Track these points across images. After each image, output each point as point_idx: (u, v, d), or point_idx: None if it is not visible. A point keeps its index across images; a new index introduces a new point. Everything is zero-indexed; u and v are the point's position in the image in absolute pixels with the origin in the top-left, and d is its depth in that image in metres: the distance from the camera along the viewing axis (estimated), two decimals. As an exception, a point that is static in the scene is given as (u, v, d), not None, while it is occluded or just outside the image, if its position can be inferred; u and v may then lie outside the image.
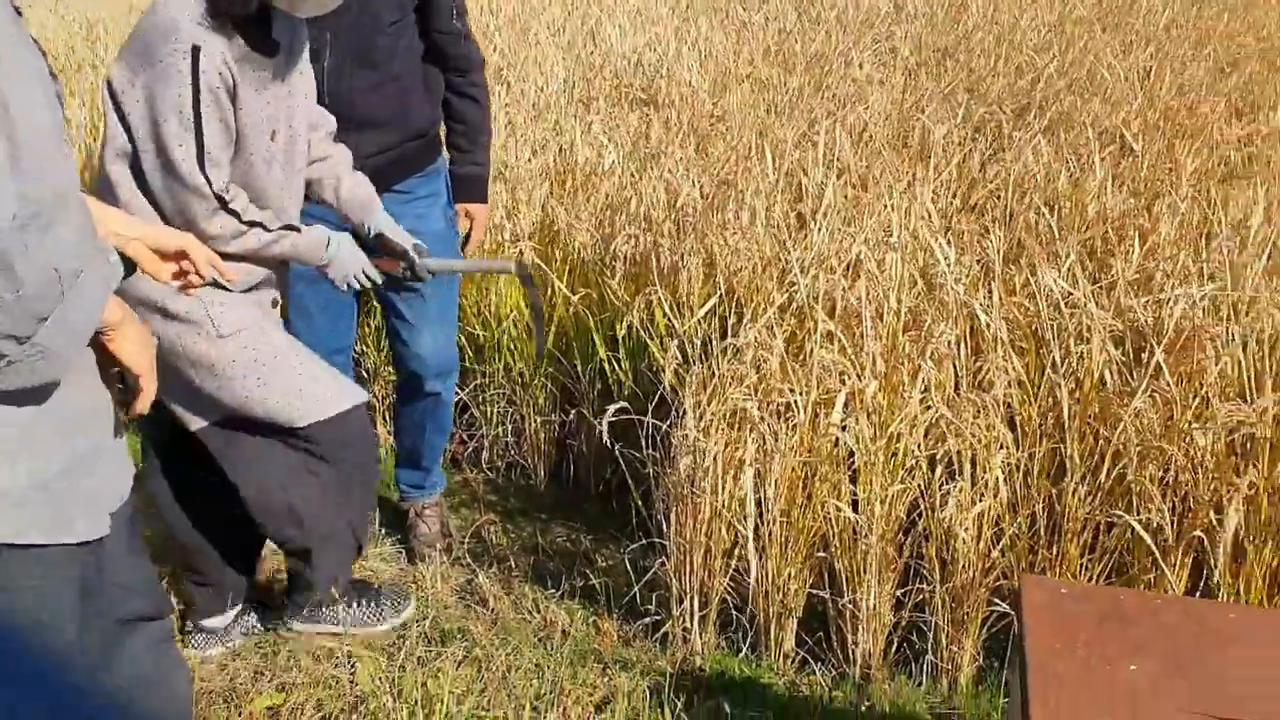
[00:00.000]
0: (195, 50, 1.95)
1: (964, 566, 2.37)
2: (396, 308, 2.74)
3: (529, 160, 3.56)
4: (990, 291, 2.66)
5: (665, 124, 4.05)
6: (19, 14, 1.24)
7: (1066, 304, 2.57)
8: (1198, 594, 2.34)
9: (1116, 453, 2.34)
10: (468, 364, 3.24)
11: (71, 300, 1.20)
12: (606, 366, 3.03)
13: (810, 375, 2.44)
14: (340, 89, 2.49)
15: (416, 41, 2.62)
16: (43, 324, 1.18)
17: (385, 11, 2.50)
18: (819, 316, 2.55)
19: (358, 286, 2.39)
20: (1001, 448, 2.37)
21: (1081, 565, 2.40)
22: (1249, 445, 2.29)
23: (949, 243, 2.85)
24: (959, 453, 2.35)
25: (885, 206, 3.04)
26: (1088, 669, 1.59)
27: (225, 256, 1.98)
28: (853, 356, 2.48)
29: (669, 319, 2.79)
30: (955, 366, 2.51)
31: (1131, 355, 2.55)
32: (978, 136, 3.97)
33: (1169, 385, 2.34)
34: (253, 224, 2.11)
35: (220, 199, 2.04)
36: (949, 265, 2.70)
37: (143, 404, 1.47)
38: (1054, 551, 2.42)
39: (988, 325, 2.53)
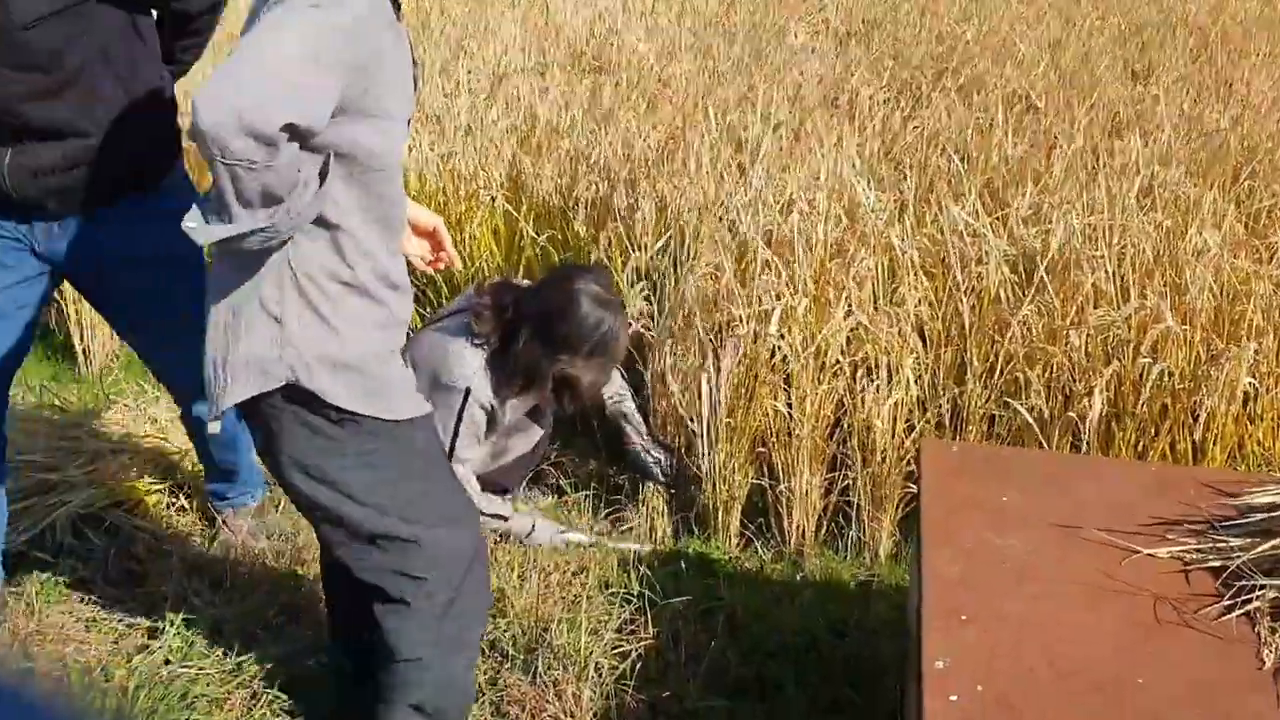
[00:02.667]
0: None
1: (881, 455, 2.80)
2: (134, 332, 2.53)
3: (495, 121, 3.93)
4: (903, 224, 3.09)
5: (616, 87, 4.43)
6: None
7: (968, 233, 3.00)
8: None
9: (1010, 355, 2.78)
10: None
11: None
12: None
13: (751, 296, 2.85)
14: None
15: (106, 29, 2.09)
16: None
17: (28, 6, 1.98)
18: (758, 246, 2.96)
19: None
20: (912, 353, 2.80)
21: (980, 451, 2.84)
22: (1115, 345, 2.73)
23: (870, 185, 3.27)
24: (875, 358, 2.77)
25: (816, 156, 3.46)
26: (969, 498, 2.01)
27: None
28: (787, 279, 2.89)
29: (628, 253, 3.19)
30: (874, 287, 2.93)
31: (1024, 276, 2.99)
32: (900, 97, 4.40)
33: (1052, 298, 2.78)
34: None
35: None
36: (869, 203, 3.13)
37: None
38: (958, 439, 2.86)
39: (902, 252, 2.95)
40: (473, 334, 2.68)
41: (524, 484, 3.05)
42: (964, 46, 5.10)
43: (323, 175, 1.63)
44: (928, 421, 2.85)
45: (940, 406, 2.85)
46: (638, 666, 2.31)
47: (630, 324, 2.85)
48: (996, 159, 3.46)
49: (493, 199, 3.39)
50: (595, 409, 3.14)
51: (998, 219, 3.10)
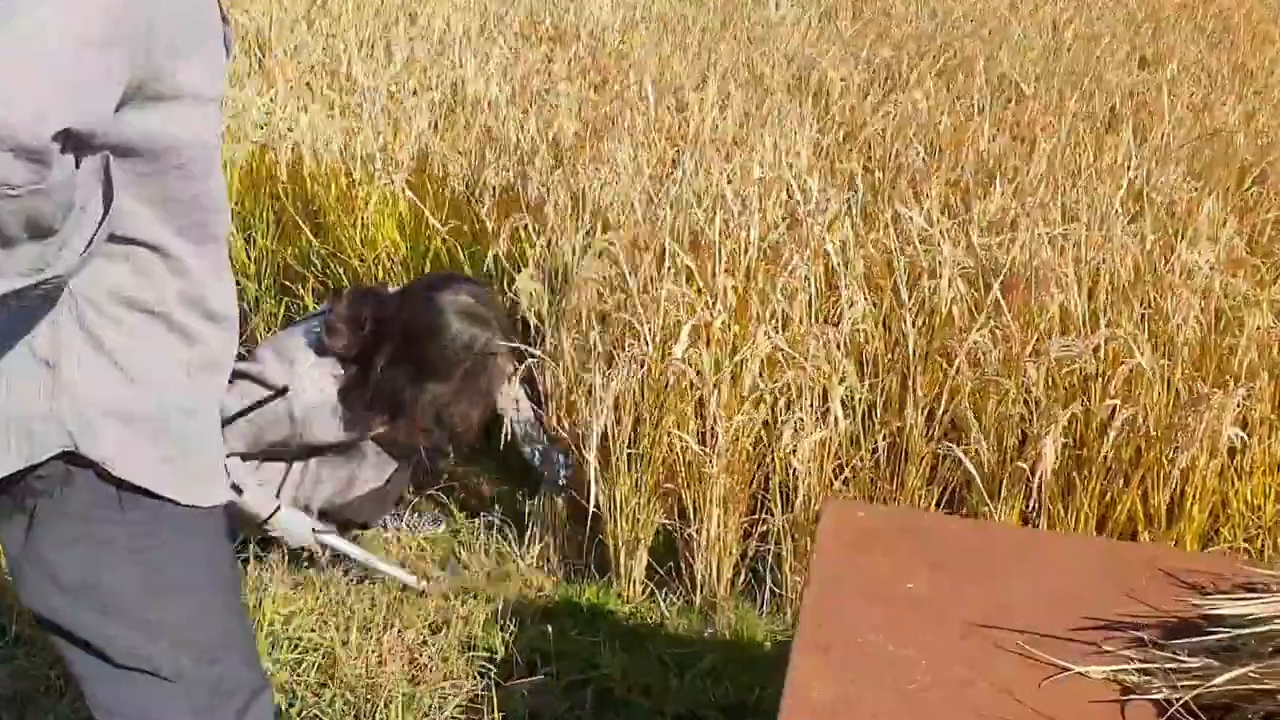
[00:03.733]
0: None
1: (805, 498, 2.40)
2: None
3: (414, 95, 3.53)
4: (849, 228, 2.68)
5: (567, 61, 4.02)
6: None
7: (922, 241, 2.59)
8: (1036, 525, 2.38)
9: (956, 389, 2.37)
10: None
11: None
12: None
13: (659, 307, 2.45)
14: None
15: None
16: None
17: None
18: (675, 249, 2.56)
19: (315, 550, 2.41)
20: (843, 382, 2.40)
21: (920, 497, 2.44)
22: (1080, 380, 2.33)
23: (819, 180, 2.86)
24: (798, 387, 2.37)
25: (764, 145, 3.05)
26: (868, 583, 1.62)
27: None
28: (703, 290, 2.49)
29: (535, 248, 2.79)
30: (807, 301, 2.53)
31: (984, 292, 2.58)
32: (875, 80, 3.97)
33: (1009, 322, 2.37)
34: None
35: None
36: (811, 202, 2.71)
37: None
38: (895, 484, 2.46)
39: (841, 262, 2.54)
40: (322, 348, 2.30)
41: (391, 517, 2.67)
42: (955, 24, 4.66)
43: (107, 187, 1.22)
44: (861, 460, 2.45)
45: (875, 445, 2.45)
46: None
47: (512, 340, 2.46)
48: (967, 153, 3.04)
49: (392, 183, 2.99)
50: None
51: (959, 224, 2.68)
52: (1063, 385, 2.33)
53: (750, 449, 2.46)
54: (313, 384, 2.27)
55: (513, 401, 2.70)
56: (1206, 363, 2.34)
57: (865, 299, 2.53)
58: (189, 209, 1.30)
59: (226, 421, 2.22)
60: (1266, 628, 1.45)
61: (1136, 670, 1.46)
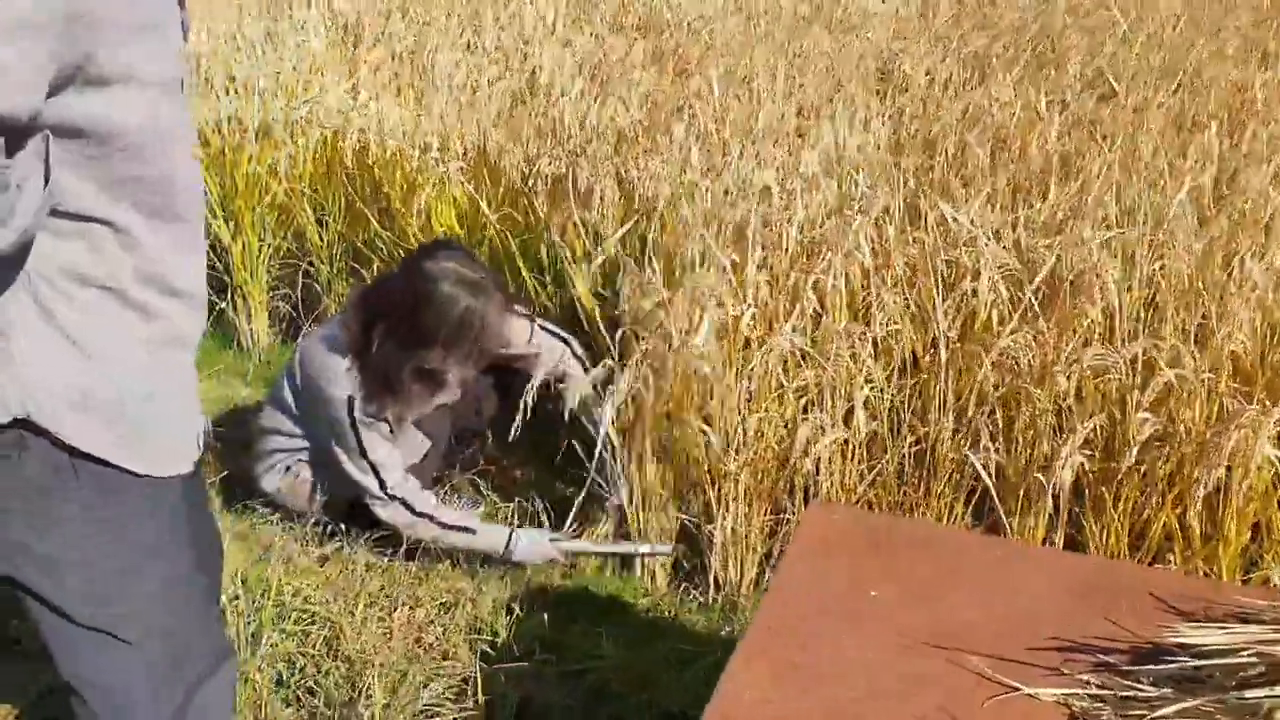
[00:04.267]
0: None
1: (826, 499, 2.36)
2: None
3: (490, 84, 3.58)
4: (899, 225, 2.61)
5: (648, 51, 4.01)
6: None
7: (966, 242, 2.51)
8: (1056, 540, 2.29)
9: (982, 395, 2.29)
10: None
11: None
12: (532, 288, 3.05)
13: (687, 301, 2.43)
14: None
15: None
16: None
17: None
18: (710, 242, 2.53)
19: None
20: (868, 382, 2.34)
21: (944, 505, 2.36)
22: (1115, 392, 2.22)
23: (869, 176, 2.79)
24: (819, 387, 2.33)
25: (821, 138, 2.99)
26: (830, 590, 1.58)
27: None
28: (733, 284, 2.46)
29: (583, 240, 2.80)
30: (839, 299, 2.47)
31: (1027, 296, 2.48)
32: (963, 72, 3.85)
33: (1043, 328, 2.28)
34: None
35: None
36: (857, 197, 2.65)
37: None
38: (921, 490, 2.39)
39: (873, 256, 2.48)
40: (334, 345, 2.38)
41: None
42: (1058, 14, 4.47)
43: (46, 166, 1.27)
44: (886, 464, 2.39)
45: (902, 449, 2.38)
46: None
47: (509, 303, 2.47)
48: (1033, 150, 2.92)
49: (448, 171, 3.03)
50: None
51: (1008, 224, 2.58)
52: (1097, 395, 2.22)
53: (776, 446, 2.43)
54: (356, 387, 2.38)
55: (533, 350, 2.69)
56: (1261, 379, 2.21)
57: (903, 298, 2.46)
58: (145, 189, 1.32)
59: (361, 451, 2.41)
60: (1233, 660, 1.36)
61: (1089, 696, 1.39)
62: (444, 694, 2.04)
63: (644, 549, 2.52)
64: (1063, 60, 3.86)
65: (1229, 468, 2.02)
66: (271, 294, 3.67)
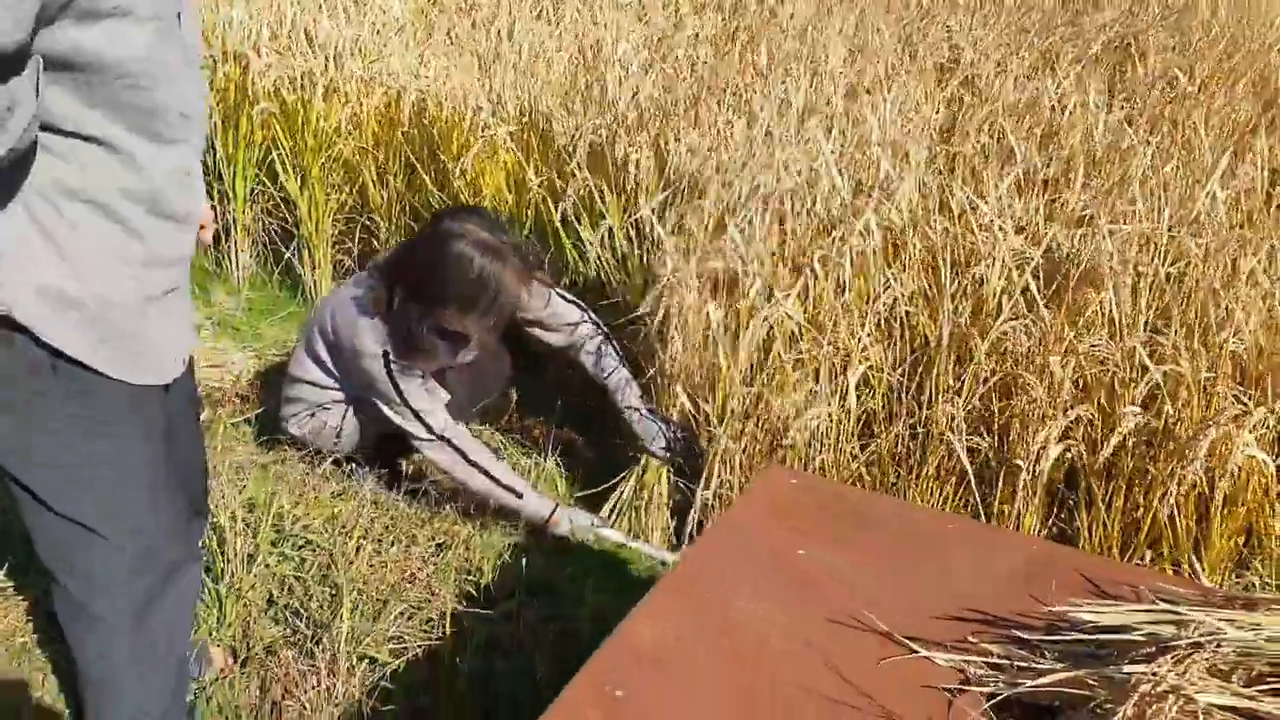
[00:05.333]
0: None
1: (818, 472, 2.38)
2: None
3: (558, 51, 3.66)
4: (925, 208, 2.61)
5: (729, 31, 4.04)
6: None
7: (983, 228, 2.49)
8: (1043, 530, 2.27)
9: (976, 376, 2.29)
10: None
11: None
12: (573, 257, 3.12)
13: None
14: None
15: None
16: None
17: None
18: (724, 214, 2.57)
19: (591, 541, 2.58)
20: (864, 360, 2.36)
21: (934, 489, 2.36)
22: (1108, 383, 2.19)
23: (895, 160, 2.79)
24: (813, 359, 2.35)
25: (869, 120, 3.00)
26: (759, 547, 1.62)
27: None
28: (743, 256, 2.50)
29: (601, 207, 2.87)
30: (841, 277, 2.48)
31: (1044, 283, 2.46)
32: (1033, 62, 3.79)
33: (1042, 316, 2.26)
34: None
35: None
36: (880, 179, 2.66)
37: None
38: (915, 474, 2.39)
39: (878, 240, 2.48)
40: (362, 306, 2.50)
41: None
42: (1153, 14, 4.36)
43: (38, 90, 1.35)
44: (883, 443, 2.40)
45: (896, 429, 2.39)
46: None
47: (529, 268, 2.54)
48: (1077, 141, 2.87)
49: (494, 135, 3.13)
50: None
51: (1029, 211, 2.56)
52: (1098, 387, 2.20)
53: (770, 420, 2.45)
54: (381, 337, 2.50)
55: (581, 331, 2.78)
56: (1264, 379, 2.16)
57: (913, 280, 2.46)
58: (143, 114, 1.44)
59: (402, 400, 2.50)
60: (1127, 636, 1.37)
61: (986, 664, 1.41)
62: (419, 626, 2.13)
63: (673, 558, 2.53)
64: (1141, 57, 3.77)
65: (1209, 468, 1.99)
66: (335, 247, 3.82)
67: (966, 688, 1.37)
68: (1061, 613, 1.44)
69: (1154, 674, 1.23)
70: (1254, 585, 2.09)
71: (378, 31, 4.03)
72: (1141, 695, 1.21)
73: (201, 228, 1.77)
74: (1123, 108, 3.30)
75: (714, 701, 1.33)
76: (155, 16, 1.43)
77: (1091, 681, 1.32)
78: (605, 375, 2.71)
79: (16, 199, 1.42)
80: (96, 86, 1.40)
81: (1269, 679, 1.23)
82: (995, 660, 1.41)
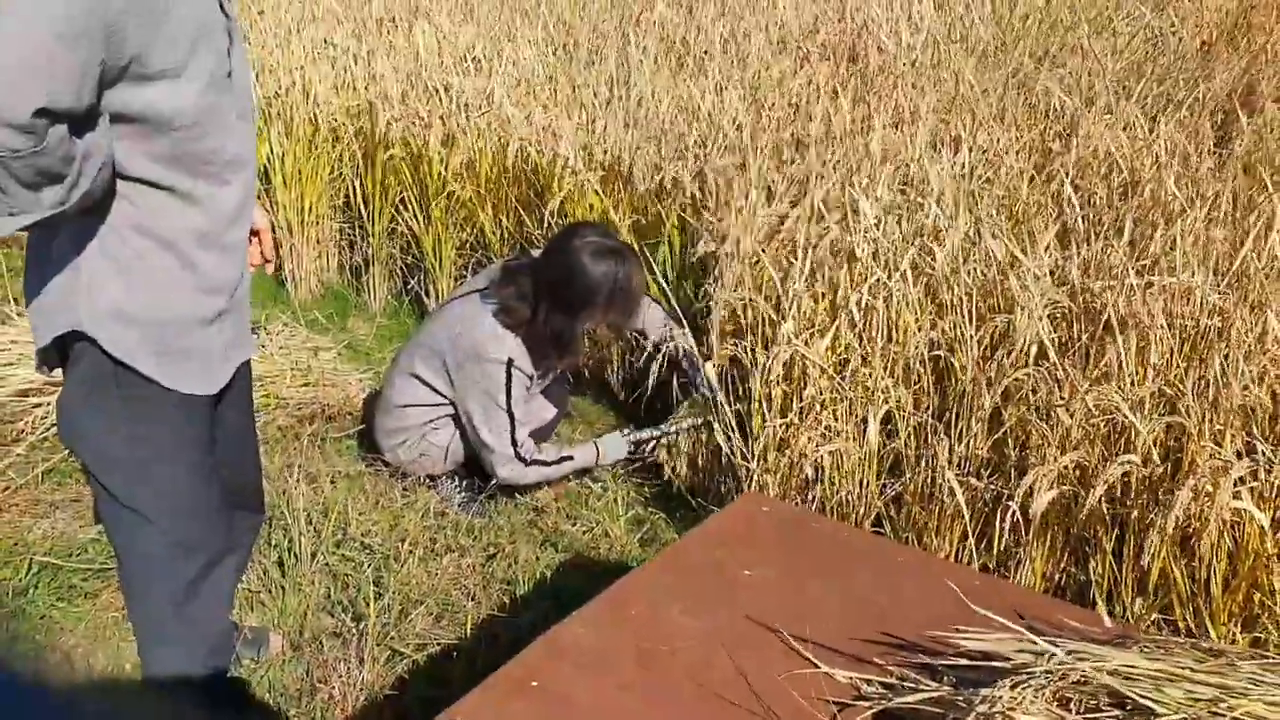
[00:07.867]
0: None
1: (835, 514, 2.49)
2: None
3: (656, 102, 3.88)
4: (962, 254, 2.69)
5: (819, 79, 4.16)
6: None
7: (1014, 270, 2.55)
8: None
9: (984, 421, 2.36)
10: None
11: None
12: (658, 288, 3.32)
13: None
14: None
15: None
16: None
17: None
18: (759, 253, 2.73)
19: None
20: (886, 402, 2.45)
21: (949, 535, 2.42)
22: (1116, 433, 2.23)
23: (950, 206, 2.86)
24: (832, 399, 2.47)
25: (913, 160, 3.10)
26: (710, 565, 1.77)
27: None
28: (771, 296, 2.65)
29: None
30: (865, 315, 2.57)
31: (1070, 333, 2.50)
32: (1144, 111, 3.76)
33: (1057, 365, 2.31)
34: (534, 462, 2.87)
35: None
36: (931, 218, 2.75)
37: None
38: (932, 514, 2.46)
39: (907, 285, 2.57)
40: (504, 321, 2.79)
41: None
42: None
43: (108, 141, 1.63)
44: (909, 483, 2.48)
45: (919, 469, 2.47)
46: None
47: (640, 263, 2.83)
48: (1149, 195, 2.88)
49: (583, 178, 3.37)
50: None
51: (1063, 260, 2.60)
52: (1100, 435, 2.24)
53: (804, 455, 2.57)
54: (520, 354, 2.81)
55: (649, 317, 3.08)
56: (1272, 431, 2.15)
57: (949, 325, 2.54)
58: (200, 160, 1.72)
59: (506, 407, 2.81)
60: (999, 663, 1.46)
61: (881, 683, 1.52)
62: (450, 627, 2.36)
63: (687, 423, 2.97)
64: (1244, 107, 3.70)
65: (1188, 520, 2.01)
66: (456, 281, 4.14)
67: (857, 703, 1.49)
68: (944, 638, 1.54)
69: (995, 697, 1.33)
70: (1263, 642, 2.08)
71: (502, 85, 4.34)
72: (976, 715, 1.31)
73: (264, 259, 2.08)
74: (1215, 152, 3.26)
75: (616, 696, 1.49)
76: (206, 74, 1.70)
77: (958, 702, 1.42)
78: (686, 366, 3.01)
79: (94, 234, 1.73)
80: (155, 137, 1.67)
81: (1103, 711, 1.31)
82: (891, 680, 1.53)
